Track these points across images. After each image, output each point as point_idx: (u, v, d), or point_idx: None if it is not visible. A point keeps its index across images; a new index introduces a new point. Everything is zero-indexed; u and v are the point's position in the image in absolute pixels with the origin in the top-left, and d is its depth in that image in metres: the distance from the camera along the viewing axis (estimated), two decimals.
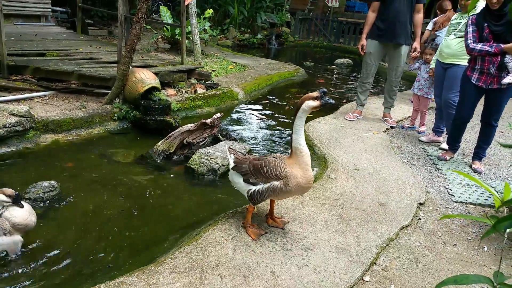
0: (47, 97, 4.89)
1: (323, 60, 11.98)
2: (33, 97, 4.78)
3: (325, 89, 2.38)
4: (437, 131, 4.74)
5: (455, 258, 2.62)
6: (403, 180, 3.61)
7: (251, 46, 12.88)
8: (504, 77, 3.55)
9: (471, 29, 3.63)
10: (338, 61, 10.96)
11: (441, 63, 4.43)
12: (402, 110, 6.00)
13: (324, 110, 5.08)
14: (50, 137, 4.05)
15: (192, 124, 4.16)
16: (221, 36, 12.55)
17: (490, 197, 3.45)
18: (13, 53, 5.53)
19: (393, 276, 2.39)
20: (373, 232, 2.76)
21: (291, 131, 2.44)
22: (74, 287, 2.16)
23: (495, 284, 1.07)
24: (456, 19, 4.35)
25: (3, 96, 4.57)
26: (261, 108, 6.14)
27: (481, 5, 3.73)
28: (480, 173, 3.97)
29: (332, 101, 2.41)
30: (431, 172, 3.92)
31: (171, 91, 5.61)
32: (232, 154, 2.67)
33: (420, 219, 3.07)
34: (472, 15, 3.71)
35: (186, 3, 6.46)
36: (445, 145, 4.40)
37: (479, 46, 3.53)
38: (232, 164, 2.63)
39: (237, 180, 2.61)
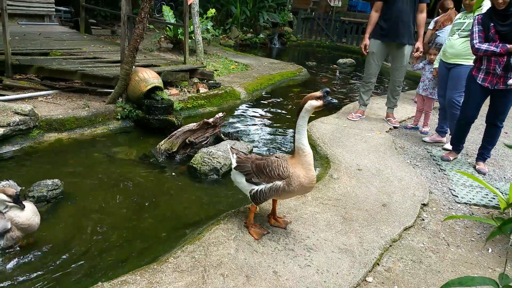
0: (50, 96, 4.90)
1: (325, 59, 11.96)
2: (37, 96, 4.79)
3: (328, 89, 2.37)
4: (440, 131, 4.73)
5: (459, 259, 2.61)
6: (406, 180, 3.60)
7: (253, 45, 12.87)
8: (510, 78, 3.53)
9: (477, 29, 3.61)
10: (340, 60, 10.94)
11: (444, 63, 4.41)
12: (405, 110, 5.98)
13: (327, 110, 5.08)
14: (53, 136, 4.06)
15: (195, 124, 4.16)
16: (223, 35, 12.55)
17: (494, 198, 3.42)
18: (17, 52, 5.55)
19: (396, 277, 2.38)
20: (376, 232, 2.75)
21: (293, 131, 2.43)
22: (77, 285, 2.16)
23: (500, 286, 1.06)
24: (460, 18, 4.33)
25: (7, 95, 4.59)
26: (263, 108, 6.13)
27: (487, 4, 3.71)
28: (484, 174, 3.95)
29: (335, 100, 2.40)
30: (435, 173, 3.91)
31: (173, 91, 5.62)
32: (234, 154, 2.67)
33: (423, 220, 3.05)
34: (478, 15, 3.68)
35: (189, 2, 6.46)
36: (448, 146, 4.38)
37: (484, 46, 3.51)
38: (234, 164, 2.63)
39: (239, 180, 2.61)
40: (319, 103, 2.35)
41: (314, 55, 12.77)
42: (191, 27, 7.52)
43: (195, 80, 6.16)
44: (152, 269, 2.18)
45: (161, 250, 2.58)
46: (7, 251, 2.42)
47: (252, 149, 4.18)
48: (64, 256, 2.48)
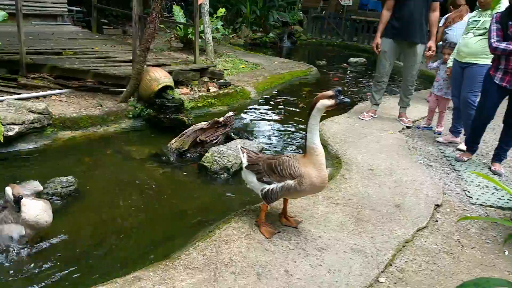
0: (64, 95, 4.96)
1: (336, 58, 11.88)
2: (51, 95, 4.85)
3: (340, 88, 2.35)
4: (454, 131, 4.65)
5: (474, 261, 2.56)
6: (420, 181, 3.55)
7: (263, 45, 12.85)
8: None
9: (494, 27, 3.54)
10: (351, 59, 10.86)
11: (458, 62, 4.33)
12: (418, 109, 5.90)
13: (338, 109, 5.04)
14: (67, 134, 4.11)
15: (205, 123, 4.18)
16: (233, 35, 12.56)
17: (511, 200, 3.36)
18: (31, 51, 5.63)
19: (409, 278, 2.35)
20: (388, 233, 2.72)
21: (305, 130, 2.42)
22: (91, 281, 2.18)
23: None
24: (474, 17, 4.26)
25: (22, 94, 4.66)
26: (274, 107, 6.12)
27: (505, 2, 3.64)
28: (500, 175, 3.87)
29: (347, 100, 2.38)
30: (448, 174, 3.85)
31: (184, 90, 5.64)
32: (245, 153, 2.67)
33: (437, 221, 3.01)
34: (496, 13, 3.61)
35: (199, 2, 6.48)
36: (462, 146, 4.31)
37: (503, 45, 3.44)
38: (245, 163, 2.63)
39: (250, 179, 2.61)
40: (331, 102, 2.33)
41: (324, 54, 12.70)
42: (201, 26, 7.54)
43: (206, 79, 6.17)
44: (165, 265, 2.19)
45: (173, 247, 2.59)
46: (20, 248, 2.44)
47: (262, 148, 4.18)
48: (77, 252, 2.51)
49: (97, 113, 4.41)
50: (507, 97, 3.74)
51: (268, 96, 6.66)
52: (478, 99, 4.10)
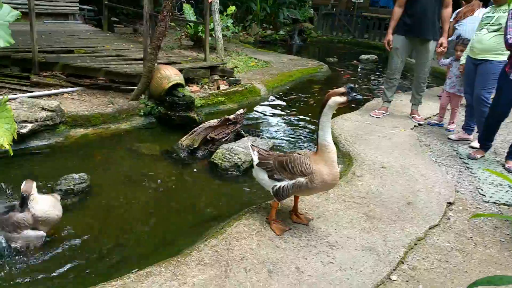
0: (75, 93, 5.02)
1: (347, 56, 11.78)
2: (63, 93, 4.92)
3: (352, 85, 2.33)
4: (467, 129, 4.59)
5: (487, 260, 2.53)
6: (432, 178, 3.51)
7: (273, 42, 12.80)
8: None
9: (510, 23, 3.47)
10: (362, 56, 10.76)
11: (472, 59, 4.27)
12: (430, 107, 5.83)
13: (349, 106, 5.01)
14: (79, 132, 4.16)
15: (216, 120, 4.19)
16: (243, 32, 12.54)
17: None
18: (43, 50, 5.71)
19: (421, 276, 2.33)
20: (400, 231, 2.70)
21: (317, 128, 2.41)
22: (103, 276, 2.20)
23: None
24: (488, 12, 4.18)
25: (35, 91, 4.73)
26: (284, 105, 6.10)
27: None
28: None
29: (359, 96, 2.36)
30: (461, 171, 3.80)
31: (194, 88, 5.66)
32: (255, 151, 2.68)
33: (449, 219, 2.98)
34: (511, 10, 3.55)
35: (209, 0, 6.49)
36: (475, 144, 4.25)
37: None
38: (256, 161, 2.63)
39: (261, 177, 2.61)
40: (343, 99, 2.32)
41: (335, 51, 12.60)
42: (212, 24, 7.55)
43: (216, 77, 6.18)
44: (176, 261, 2.20)
45: (184, 243, 2.61)
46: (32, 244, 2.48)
47: (272, 146, 4.17)
48: (90, 248, 2.55)
49: (108, 110, 4.45)
50: None
51: (278, 94, 6.65)
52: (491, 96, 4.04)
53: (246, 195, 3.39)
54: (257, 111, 5.71)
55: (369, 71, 9.62)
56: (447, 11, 4.82)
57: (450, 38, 5.75)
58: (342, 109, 4.94)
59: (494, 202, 3.25)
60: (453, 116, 4.95)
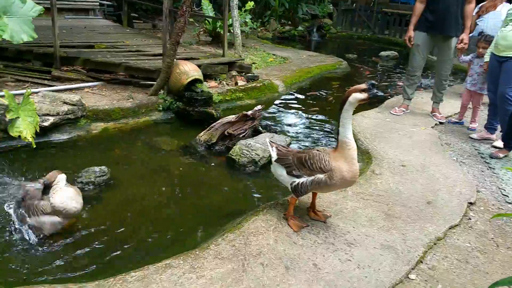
0: (96, 87, 5.11)
1: (367, 52, 11.61)
2: (83, 87, 5.01)
3: (373, 81, 2.31)
4: (490, 128, 4.47)
5: (510, 261, 2.47)
6: (453, 178, 3.44)
7: (292, 38, 12.71)
8: None
9: None
10: (383, 53, 10.58)
11: (496, 56, 4.15)
12: (451, 105, 5.70)
13: (369, 103, 4.95)
14: (100, 126, 4.24)
15: (233, 116, 4.20)
16: (262, 28, 12.50)
17: None
18: (64, 45, 5.82)
19: (440, 275, 2.30)
20: (420, 230, 2.66)
21: (337, 125, 2.39)
22: (123, 267, 2.25)
23: None
24: None
25: (56, 86, 4.83)
26: (302, 101, 6.07)
27: None
28: None
29: (381, 93, 2.34)
30: (483, 171, 3.71)
31: (212, 83, 5.69)
32: (274, 147, 2.67)
33: (470, 219, 2.91)
34: None
35: None
36: (499, 143, 4.14)
37: None
38: (275, 157, 2.63)
39: (280, 173, 2.61)
40: (363, 95, 2.29)
41: (354, 47, 12.42)
42: (230, 20, 7.56)
43: (234, 73, 6.19)
44: (195, 254, 2.23)
45: (202, 237, 2.65)
46: (53, 234, 2.55)
47: (290, 142, 4.16)
48: (110, 239, 2.60)
49: (128, 105, 4.52)
50: None
51: (296, 90, 6.61)
52: None
53: (264, 191, 3.40)
54: (275, 107, 5.70)
55: (389, 68, 9.46)
56: (470, 7, 4.70)
57: (471, 34, 5.60)
58: (361, 106, 4.89)
59: None
60: (475, 115, 4.83)
